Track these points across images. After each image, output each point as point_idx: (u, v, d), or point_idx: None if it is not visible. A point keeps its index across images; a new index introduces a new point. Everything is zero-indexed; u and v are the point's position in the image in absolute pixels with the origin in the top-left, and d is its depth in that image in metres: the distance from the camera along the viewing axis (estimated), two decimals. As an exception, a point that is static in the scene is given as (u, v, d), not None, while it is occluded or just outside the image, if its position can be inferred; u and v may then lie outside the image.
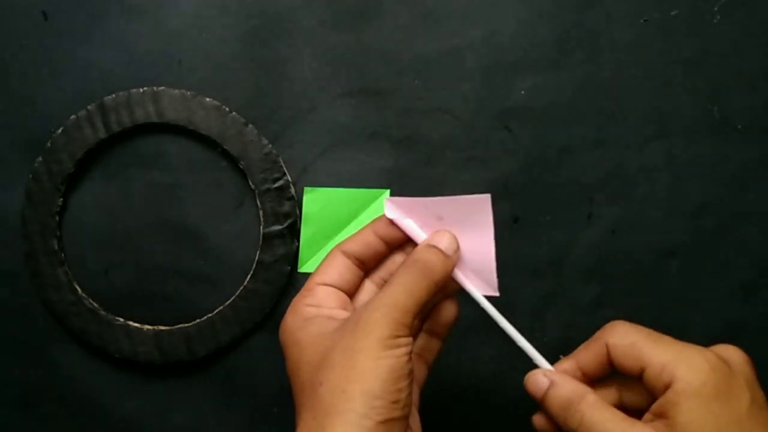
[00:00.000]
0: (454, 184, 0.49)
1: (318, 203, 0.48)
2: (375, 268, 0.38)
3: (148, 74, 0.48)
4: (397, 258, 0.38)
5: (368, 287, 0.38)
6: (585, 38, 0.48)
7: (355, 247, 0.37)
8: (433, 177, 0.48)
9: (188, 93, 0.48)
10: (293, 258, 0.48)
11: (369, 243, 0.37)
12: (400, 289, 0.34)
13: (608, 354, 0.35)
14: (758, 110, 0.48)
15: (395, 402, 0.32)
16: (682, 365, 0.33)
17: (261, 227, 0.48)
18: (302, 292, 0.37)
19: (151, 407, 0.49)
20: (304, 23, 0.48)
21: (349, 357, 0.32)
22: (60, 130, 0.47)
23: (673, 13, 0.48)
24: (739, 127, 0.48)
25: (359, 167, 0.48)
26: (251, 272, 0.48)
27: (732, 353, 0.35)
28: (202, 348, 0.48)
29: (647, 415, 0.34)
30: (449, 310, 0.38)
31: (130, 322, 0.48)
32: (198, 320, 0.48)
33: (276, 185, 0.48)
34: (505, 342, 0.46)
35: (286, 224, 0.48)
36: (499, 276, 0.36)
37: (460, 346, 0.48)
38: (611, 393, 0.37)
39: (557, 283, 0.48)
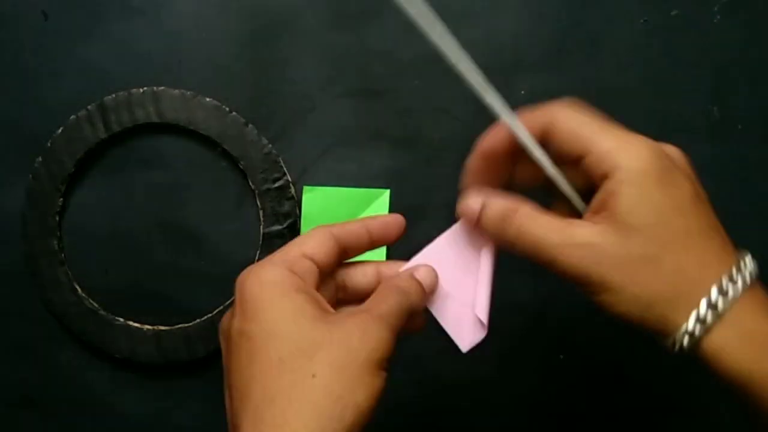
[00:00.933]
0: (454, 185, 0.48)
1: (318, 203, 0.48)
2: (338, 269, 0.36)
3: (148, 74, 0.48)
4: (368, 269, 0.36)
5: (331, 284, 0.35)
6: (585, 38, 0.48)
7: (344, 233, 0.35)
8: (433, 177, 0.48)
9: (188, 93, 0.48)
10: (293, 258, 0.48)
11: (354, 233, 0.35)
12: (391, 307, 0.32)
13: (548, 133, 0.34)
14: (758, 110, 0.48)
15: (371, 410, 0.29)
16: (624, 153, 0.31)
17: (261, 227, 0.48)
18: (285, 255, 0.33)
19: (151, 407, 0.49)
20: (304, 23, 0.48)
21: (345, 366, 0.29)
22: (60, 130, 0.47)
23: (673, 13, 0.48)
24: (739, 127, 0.48)
25: (359, 167, 0.48)
26: (251, 272, 0.48)
27: (672, 150, 0.34)
28: (202, 348, 0.48)
29: (586, 214, 0.33)
30: (417, 322, 0.36)
31: (130, 322, 0.48)
32: (198, 320, 0.48)
33: (276, 185, 0.48)
34: (504, 342, 0.46)
35: (286, 224, 0.48)
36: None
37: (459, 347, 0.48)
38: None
39: (557, 283, 0.48)
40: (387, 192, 0.48)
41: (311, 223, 0.48)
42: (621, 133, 0.32)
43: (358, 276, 0.36)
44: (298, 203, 0.48)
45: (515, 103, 0.48)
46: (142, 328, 0.48)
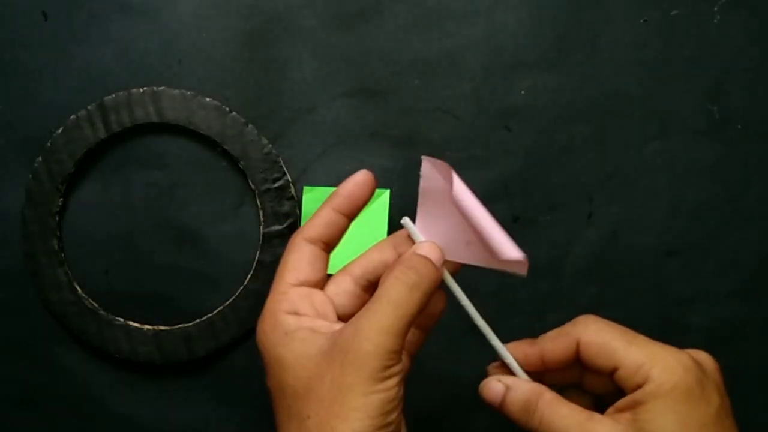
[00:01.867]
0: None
1: (317, 202, 0.48)
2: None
3: (147, 74, 0.48)
4: (374, 255, 0.36)
5: (346, 284, 0.36)
6: (585, 38, 0.48)
7: (318, 230, 0.35)
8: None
9: (188, 93, 0.48)
10: (293, 258, 0.48)
11: (331, 222, 0.35)
12: (390, 309, 0.32)
13: (577, 350, 0.35)
14: (758, 110, 0.48)
15: (384, 429, 0.31)
16: (656, 367, 0.32)
17: (261, 227, 0.48)
18: (275, 295, 0.34)
19: (151, 407, 0.49)
20: (304, 23, 0.48)
21: (338, 392, 0.30)
22: (60, 130, 0.47)
23: (673, 12, 0.48)
24: (739, 126, 0.48)
25: (359, 167, 0.47)
26: (251, 272, 0.48)
27: (704, 358, 0.34)
28: (202, 348, 0.48)
29: (610, 409, 0.33)
30: (437, 304, 0.36)
31: (130, 322, 0.48)
32: (198, 320, 0.48)
33: (276, 185, 0.48)
34: (503, 342, 0.46)
35: (286, 224, 0.48)
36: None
37: (460, 347, 0.48)
38: (573, 374, 0.36)
39: (557, 283, 0.48)
40: (387, 192, 0.48)
41: (311, 223, 0.48)
42: (651, 346, 0.33)
43: (377, 268, 0.36)
44: (298, 203, 0.48)
45: (515, 103, 0.48)
46: (142, 328, 0.48)
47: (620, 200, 0.48)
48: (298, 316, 0.34)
